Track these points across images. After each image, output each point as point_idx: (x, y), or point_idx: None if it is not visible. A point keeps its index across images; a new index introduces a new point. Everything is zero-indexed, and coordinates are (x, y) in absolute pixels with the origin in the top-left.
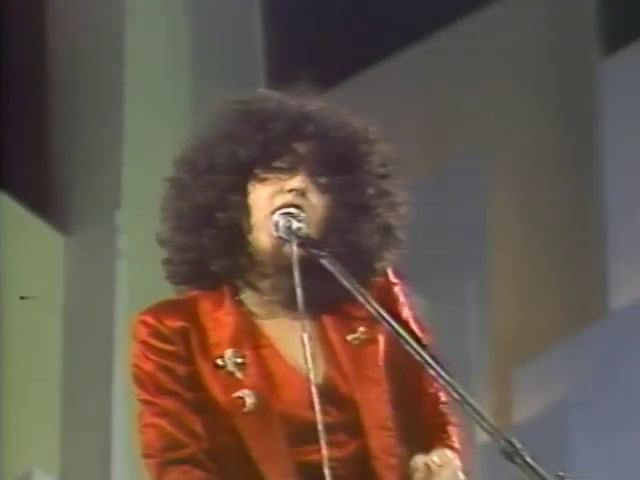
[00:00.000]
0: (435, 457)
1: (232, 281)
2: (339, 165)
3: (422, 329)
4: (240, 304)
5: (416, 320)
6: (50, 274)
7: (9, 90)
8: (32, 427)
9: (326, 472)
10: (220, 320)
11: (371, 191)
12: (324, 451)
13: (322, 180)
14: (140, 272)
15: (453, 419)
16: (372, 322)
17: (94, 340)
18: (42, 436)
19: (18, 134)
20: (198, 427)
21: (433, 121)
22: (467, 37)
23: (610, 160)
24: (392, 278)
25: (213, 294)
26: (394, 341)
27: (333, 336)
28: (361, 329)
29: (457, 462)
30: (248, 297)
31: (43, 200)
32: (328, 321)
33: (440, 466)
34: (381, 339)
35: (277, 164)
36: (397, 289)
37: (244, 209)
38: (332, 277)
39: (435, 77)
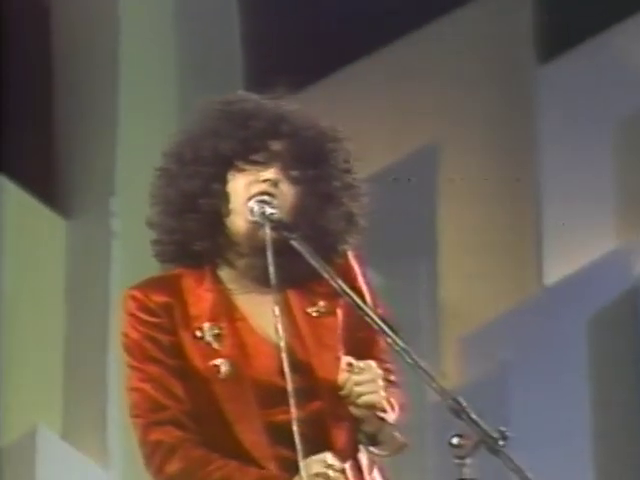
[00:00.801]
0: (361, 363)
1: (212, 260)
2: (309, 160)
3: (377, 304)
4: (218, 282)
5: (372, 296)
6: (53, 253)
7: (14, 95)
8: (36, 388)
9: (294, 429)
10: (200, 296)
11: (336, 183)
12: (293, 412)
13: (294, 173)
14: (132, 252)
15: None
16: (331, 297)
17: (91, 311)
18: (45, 396)
19: (26, 131)
20: (179, 391)
21: (392, 119)
22: (422, 45)
23: (546, 154)
24: (352, 260)
25: (195, 272)
26: (351, 315)
27: (296, 309)
28: (321, 303)
29: (379, 372)
30: (225, 275)
31: (47, 188)
32: (292, 296)
33: (362, 369)
34: (339, 312)
35: (254, 157)
36: (356, 269)
37: (224, 196)
38: (298, 257)
39: (393, 80)
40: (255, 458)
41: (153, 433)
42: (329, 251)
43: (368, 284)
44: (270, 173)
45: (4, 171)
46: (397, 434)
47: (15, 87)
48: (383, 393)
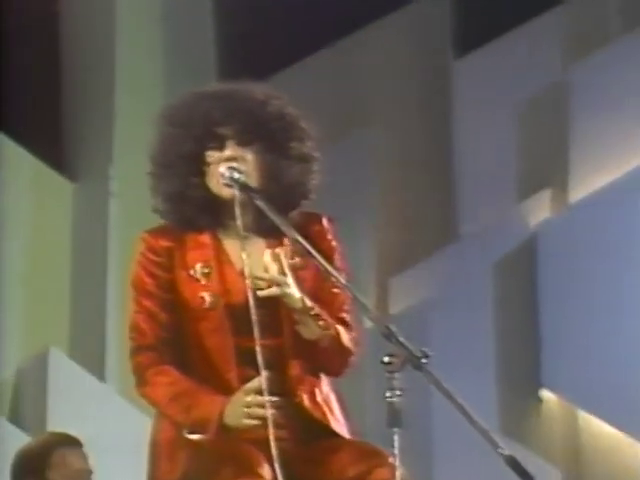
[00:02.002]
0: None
1: (212, 227)
2: (268, 132)
3: (343, 259)
4: (215, 234)
5: (340, 255)
6: (62, 209)
7: (25, 80)
8: (48, 318)
9: (257, 349)
10: (199, 242)
11: (293, 150)
12: (257, 339)
13: (254, 145)
14: (126, 208)
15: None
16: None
17: (94, 254)
18: (56, 323)
19: (40, 111)
20: (166, 323)
21: (336, 104)
22: (361, 44)
23: (462, 132)
24: (325, 224)
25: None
26: (319, 273)
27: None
28: (297, 259)
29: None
30: (222, 230)
31: (57, 157)
32: (271, 244)
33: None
34: (311, 269)
35: (210, 145)
36: (329, 232)
37: (203, 185)
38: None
39: (338, 72)
40: (221, 372)
41: (137, 356)
42: (291, 204)
43: (337, 245)
44: (228, 152)
45: (21, 142)
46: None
47: (25, 75)
48: (289, 289)
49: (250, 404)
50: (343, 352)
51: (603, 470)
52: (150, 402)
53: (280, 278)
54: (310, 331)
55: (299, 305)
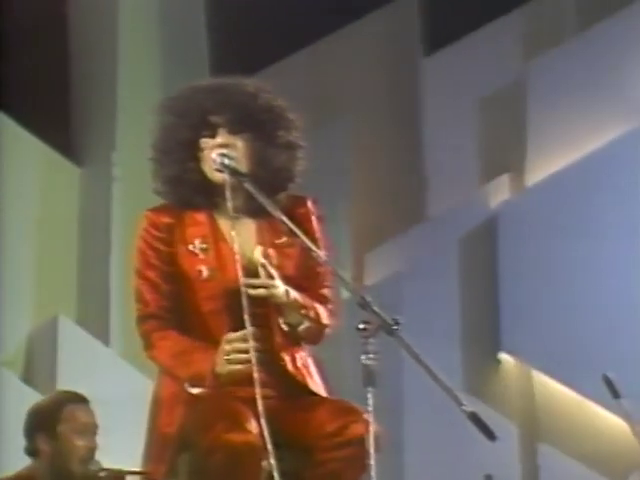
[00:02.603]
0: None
1: (207, 207)
2: (257, 122)
3: (325, 238)
4: (211, 214)
5: (322, 235)
6: (70, 192)
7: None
8: (58, 287)
9: (245, 317)
10: (197, 220)
11: (280, 139)
12: (245, 306)
13: (245, 134)
14: (127, 192)
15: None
16: (292, 235)
17: (99, 232)
18: (64, 293)
19: (52, 103)
20: (167, 292)
21: (320, 97)
22: (338, 43)
23: (429, 123)
24: (310, 206)
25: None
26: (304, 251)
27: (267, 238)
28: (284, 238)
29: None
30: (216, 210)
31: (66, 145)
32: (266, 227)
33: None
34: (297, 247)
35: (204, 134)
36: (313, 214)
37: (199, 169)
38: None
39: (318, 69)
40: (216, 336)
41: (143, 324)
42: (275, 190)
43: (320, 225)
44: (220, 139)
45: (32, 131)
46: (322, 327)
47: (35, 69)
48: (276, 290)
49: (230, 351)
50: (321, 328)
51: (556, 426)
52: (156, 362)
53: (268, 282)
54: (293, 318)
55: (284, 300)
